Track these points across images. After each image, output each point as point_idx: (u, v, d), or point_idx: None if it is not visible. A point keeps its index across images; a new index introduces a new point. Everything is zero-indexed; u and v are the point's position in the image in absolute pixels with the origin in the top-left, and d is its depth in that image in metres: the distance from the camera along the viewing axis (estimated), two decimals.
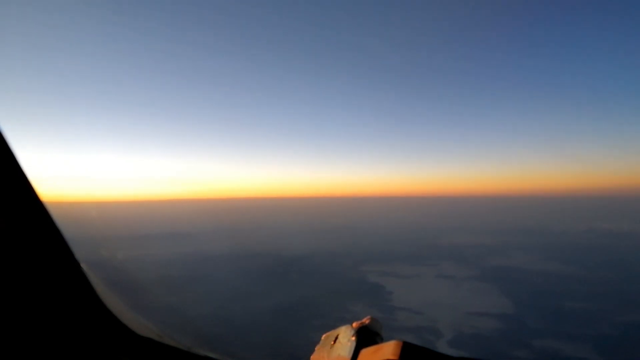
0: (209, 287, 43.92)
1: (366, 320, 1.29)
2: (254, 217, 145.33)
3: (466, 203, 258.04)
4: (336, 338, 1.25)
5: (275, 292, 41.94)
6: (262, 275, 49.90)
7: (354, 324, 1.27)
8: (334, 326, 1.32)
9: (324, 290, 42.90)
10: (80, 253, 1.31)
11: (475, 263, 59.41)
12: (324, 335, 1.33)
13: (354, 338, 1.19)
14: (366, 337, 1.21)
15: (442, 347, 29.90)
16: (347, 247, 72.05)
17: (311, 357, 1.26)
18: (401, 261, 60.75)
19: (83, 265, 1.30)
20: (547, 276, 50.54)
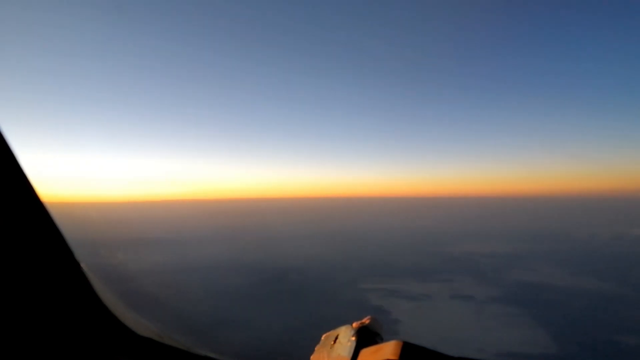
0: (178, 312, 36.59)
1: (366, 320, 1.29)
2: (251, 220, 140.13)
3: (477, 204, 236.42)
4: (336, 338, 1.25)
5: (256, 321, 34.60)
6: (246, 296, 42.38)
7: (354, 324, 1.27)
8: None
9: (316, 318, 34.91)
10: (80, 253, 1.31)
11: (495, 278, 51.00)
12: (324, 336, 1.33)
13: (354, 338, 1.19)
14: (366, 337, 1.21)
15: None
16: (345, 257, 64.37)
17: (311, 357, 1.26)
18: (408, 275, 52.26)
19: (83, 265, 1.31)
20: (584, 296, 42.11)
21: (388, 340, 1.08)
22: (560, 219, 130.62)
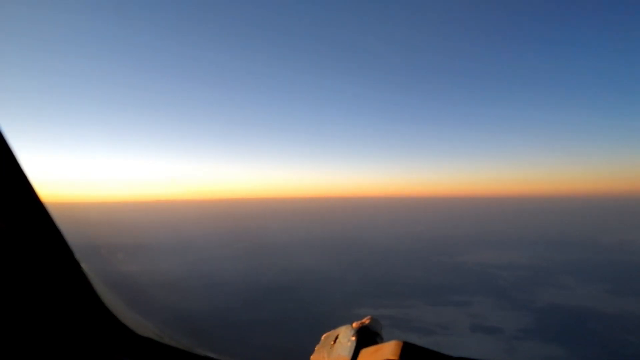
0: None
1: (366, 320, 1.29)
2: (249, 222, 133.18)
3: (487, 206, 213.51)
4: (336, 338, 1.25)
5: None
6: (222, 325, 35.37)
7: (354, 324, 1.26)
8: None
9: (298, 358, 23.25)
10: (80, 254, 1.31)
11: (522, 299, 42.33)
12: (324, 336, 1.33)
13: (354, 338, 1.19)
14: (366, 337, 1.21)
15: None
16: (342, 268, 56.22)
17: (311, 357, 1.26)
18: (416, 295, 43.56)
19: (83, 265, 1.31)
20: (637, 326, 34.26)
21: (388, 340, 1.08)
22: (583, 222, 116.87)
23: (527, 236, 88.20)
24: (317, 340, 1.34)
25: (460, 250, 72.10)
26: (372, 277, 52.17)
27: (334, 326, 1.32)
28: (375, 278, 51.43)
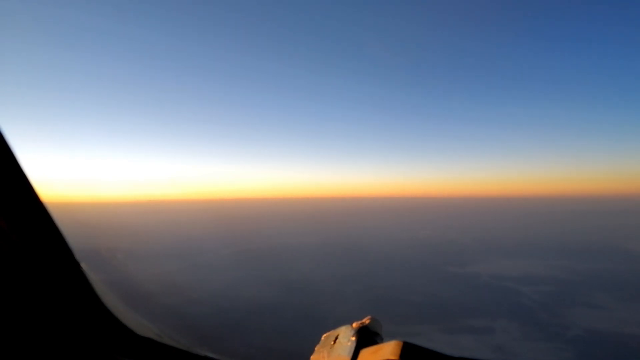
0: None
1: (366, 320, 1.29)
2: (248, 223, 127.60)
3: (495, 207, 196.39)
4: (336, 338, 1.25)
5: None
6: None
7: (354, 324, 1.27)
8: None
9: None
10: (80, 253, 1.31)
11: (552, 324, 35.19)
12: (324, 336, 1.33)
13: (354, 338, 1.19)
14: (366, 337, 1.21)
15: None
16: (339, 280, 50.38)
17: (311, 357, 1.27)
18: (424, 318, 37.60)
19: (83, 265, 1.31)
20: None
21: (388, 340, 1.08)
22: (608, 226, 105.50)
23: (545, 242, 79.68)
24: (317, 340, 1.34)
25: (471, 258, 65.27)
26: (371, 292, 46.40)
27: (334, 327, 1.32)
28: (375, 294, 45.58)
